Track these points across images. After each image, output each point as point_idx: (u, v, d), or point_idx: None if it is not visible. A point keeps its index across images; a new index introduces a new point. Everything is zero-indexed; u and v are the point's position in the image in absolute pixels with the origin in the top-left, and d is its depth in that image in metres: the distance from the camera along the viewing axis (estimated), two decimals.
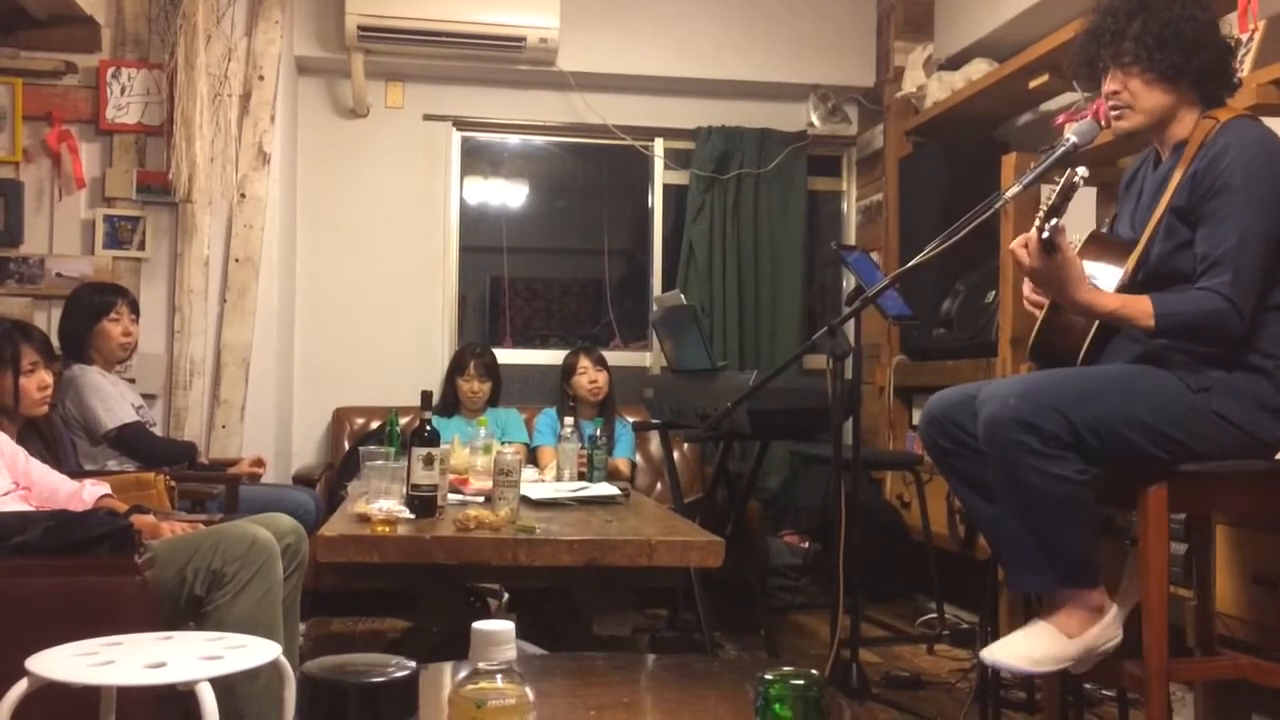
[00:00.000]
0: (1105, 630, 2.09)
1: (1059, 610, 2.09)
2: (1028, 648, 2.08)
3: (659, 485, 4.62)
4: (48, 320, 4.13)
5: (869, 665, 3.25)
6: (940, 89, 4.53)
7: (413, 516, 2.59)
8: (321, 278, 4.90)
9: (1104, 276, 2.17)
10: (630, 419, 4.46)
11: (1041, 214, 1.99)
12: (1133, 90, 2.17)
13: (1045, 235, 1.97)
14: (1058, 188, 1.97)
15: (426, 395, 2.81)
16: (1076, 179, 1.96)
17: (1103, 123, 2.31)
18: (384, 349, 4.89)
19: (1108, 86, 2.20)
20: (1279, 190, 2.06)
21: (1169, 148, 2.22)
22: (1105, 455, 2.04)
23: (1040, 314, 2.31)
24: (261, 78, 4.46)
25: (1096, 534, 2.12)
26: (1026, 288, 2.30)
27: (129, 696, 1.72)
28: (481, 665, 0.99)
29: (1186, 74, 2.14)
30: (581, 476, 3.45)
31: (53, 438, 3.08)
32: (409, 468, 2.64)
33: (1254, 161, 2.05)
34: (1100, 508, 2.18)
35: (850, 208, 5.41)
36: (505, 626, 1.00)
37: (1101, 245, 2.26)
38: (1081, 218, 3.53)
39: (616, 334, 5.35)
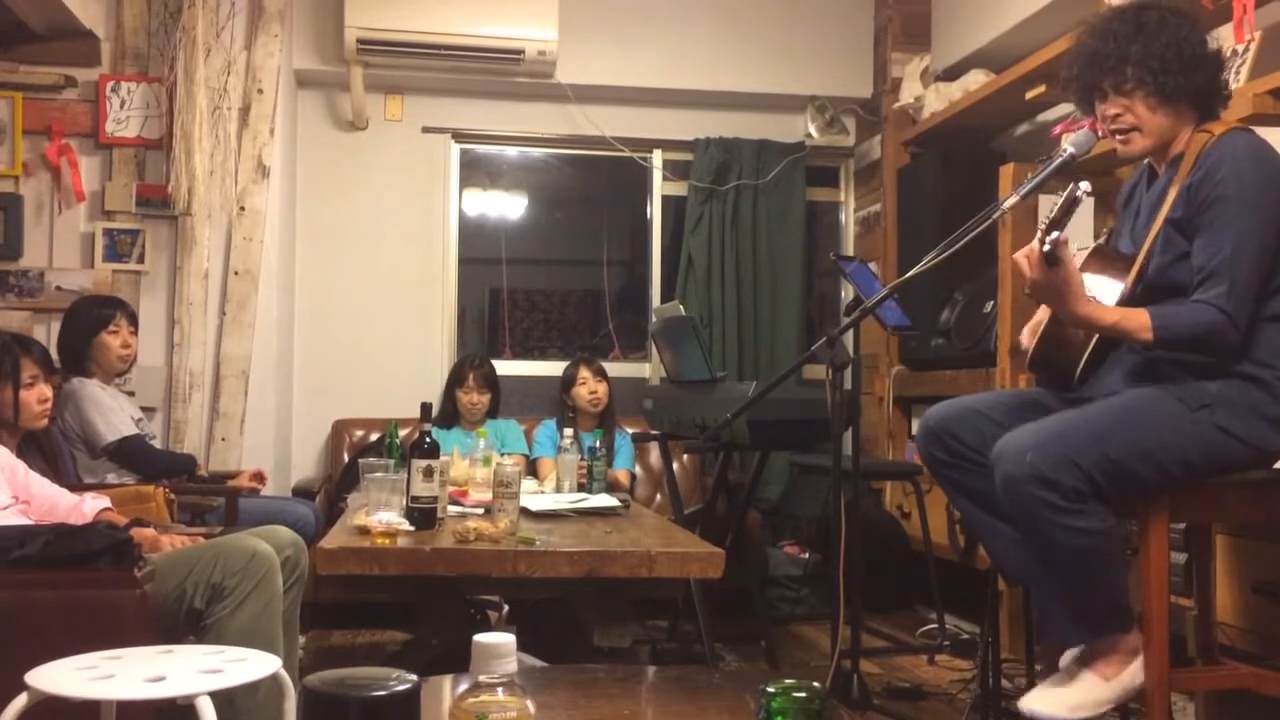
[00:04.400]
0: (1139, 671, 2.09)
1: (1097, 657, 2.10)
2: (1066, 696, 2.08)
3: (659, 496, 4.62)
4: (47, 333, 4.13)
5: (870, 676, 3.24)
6: (938, 100, 4.54)
7: (412, 528, 2.59)
8: (321, 290, 4.90)
9: (1106, 290, 2.18)
10: (630, 430, 4.46)
11: (1043, 226, 1.99)
12: (1138, 114, 2.17)
13: (1047, 248, 1.98)
14: (1060, 201, 1.97)
15: (426, 407, 2.81)
16: (1079, 193, 1.96)
17: (1100, 133, 2.32)
18: (383, 361, 4.89)
19: (1108, 110, 2.20)
20: (1273, 200, 2.07)
21: (1165, 162, 2.23)
22: (1121, 494, 2.05)
23: (1040, 326, 2.31)
24: (261, 91, 4.47)
25: (1128, 577, 2.12)
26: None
27: (129, 710, 1.72)
28: (482, 678, 0.99)
29: (1186, 93, 2.15)
30: (581, 488, 3.45)
31: (52, 451, 3.08)
32: (409, 479, 2.64)
33: (1248, 173, 2.05)
34: (1127, 547, 2.17)
35: (848, 218, 5.42)
36: (506, 639, 1.00)
37: (1103, 259, 2.27)
38: (1079, 227, 3.54)
39: (616, 345, 5.35)
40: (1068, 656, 2.18)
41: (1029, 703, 2.10)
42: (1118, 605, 2.09)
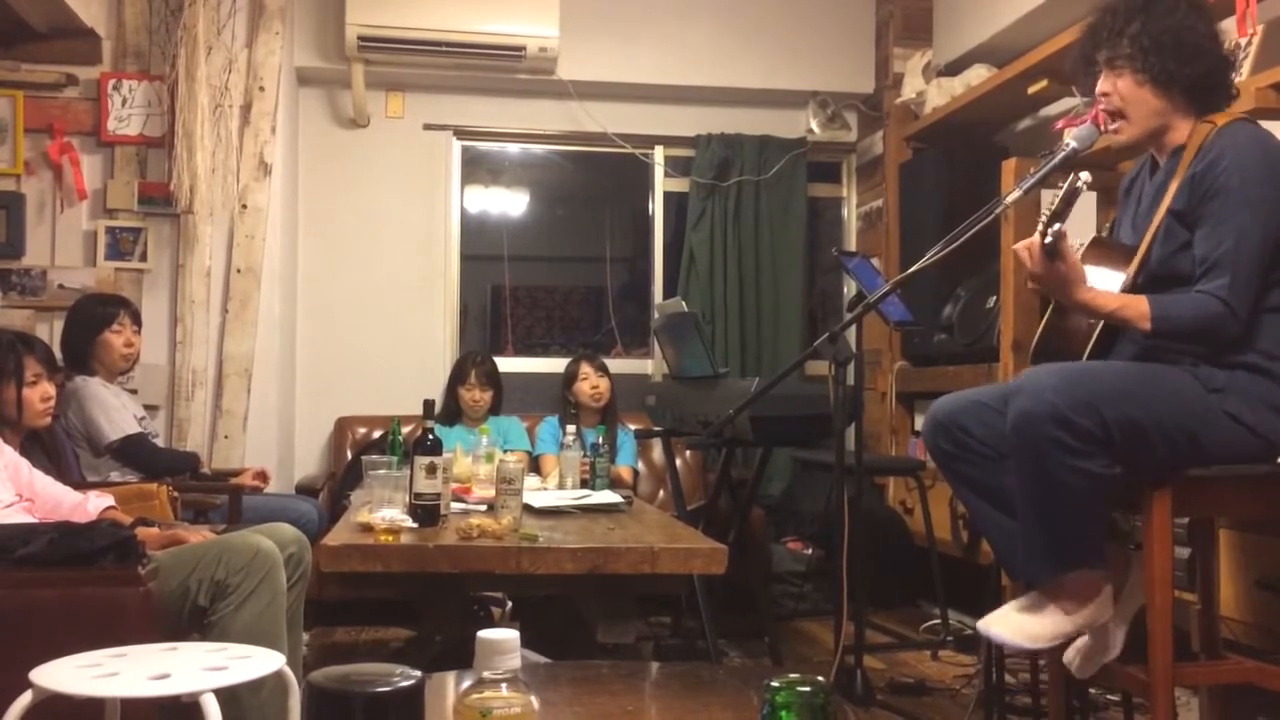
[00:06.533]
0: (1100, 609, 2.11)
1: (1063, 589, 2.10)
2: (1028, 625, 2.10)
3: (661, 493, 4.62)
4: (50, 332, 4.13)
5: (873, 671, 3.24)
6: (939, 95, 4.54)
7: (416, 525, 2.59)
8: (323, 287, 4.90)
9: (1106, 281, 2.18)
10: (632, 426, 4.46)
11: (1044, 219, 1.99)
12: (1122, 92, 2.17)
13: (1048, 241, 1.98)
14: (1060, 193, 1.98)
15: (429, 404, 2.81)
16: (1079, 184, 1.96)
17: (1102, 128, 2.31)
18: (386, 358, 4.89)
19: (1100, 87, 2.20)
20: (1276, 192, 2.06)
21: (1166, 153, 2.22)
22: (1128, 453, 2.04)
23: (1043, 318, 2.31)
24: (262, 89, 4.47)
25: (1108, 513, 2.13)
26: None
27: (133, 708, 1.72)
28: (486, 674, 0.99)
29: (1179, 81, 2.13)
30: (584, 484, 3.45)
31: (55, 449, 3.08)
32: (411, 477, 2.64)
33: (1251, 164, 2.05)
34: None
35: (851, 214, 5.42)
36: (509, 635, 1.00)
37: (1103, 250, 2.26)
38: (1081, 222, 3.53)
39: (618, 341, 5.36)
40: None
41: (989, 623, 2.13)
42: (1096, 541, 2.09)
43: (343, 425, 4.69)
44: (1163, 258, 2.14)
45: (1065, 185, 1.97)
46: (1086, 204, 3.72)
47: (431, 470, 2.62)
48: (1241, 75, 2.91)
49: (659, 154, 5.20)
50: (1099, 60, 2.20)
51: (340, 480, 4.40)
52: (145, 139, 4.43)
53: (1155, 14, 2.13)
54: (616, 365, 4.70)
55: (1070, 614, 2.09)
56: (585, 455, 3.52)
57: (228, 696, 1.66)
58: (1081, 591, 2.09)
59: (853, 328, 3.06)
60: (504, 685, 0.99)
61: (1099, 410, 1.99)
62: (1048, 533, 2.08)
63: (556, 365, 4.76)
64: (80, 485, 2.89)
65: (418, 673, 0.99)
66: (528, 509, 2.86)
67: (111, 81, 4.41)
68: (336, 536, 2.51)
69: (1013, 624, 2.11)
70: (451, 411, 4.41)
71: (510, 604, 3.71)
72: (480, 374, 4.40)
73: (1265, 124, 2.22)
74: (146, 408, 3.94)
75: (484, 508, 2.89)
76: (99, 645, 1.71)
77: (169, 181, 4.34)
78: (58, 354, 3.27)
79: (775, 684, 0.96)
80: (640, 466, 4.55)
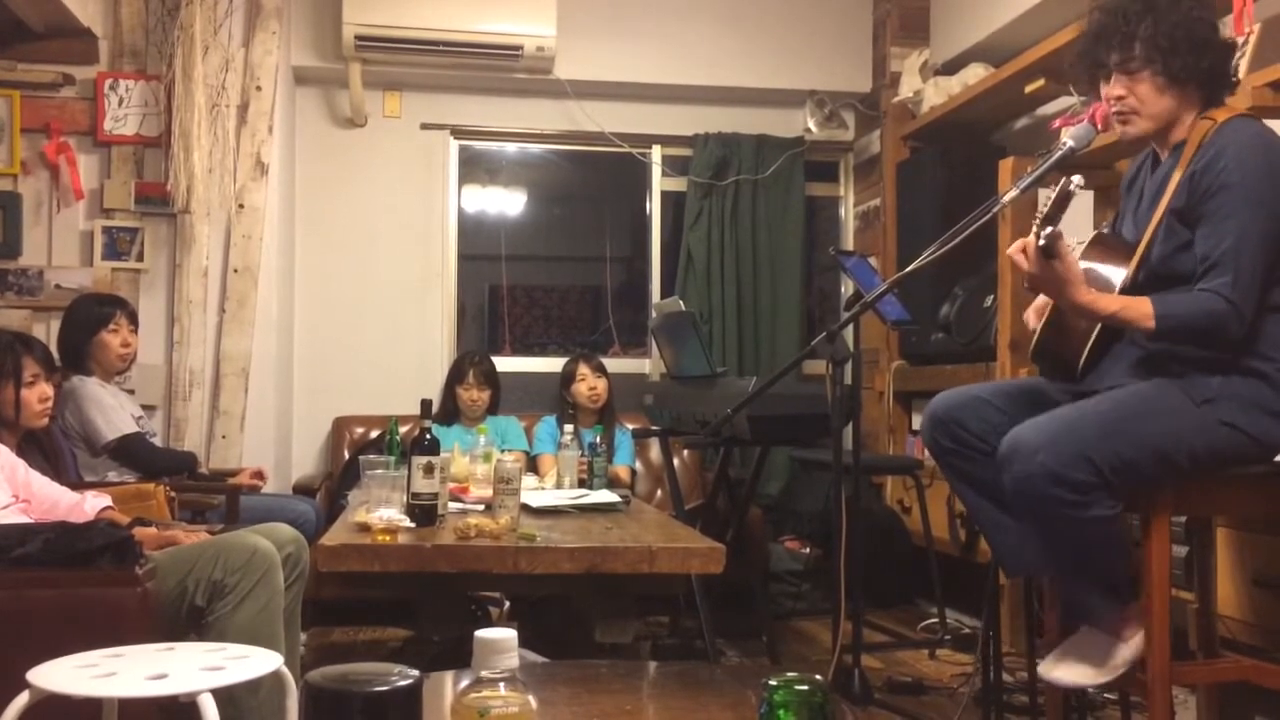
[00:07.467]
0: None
1: (1123, 621, 2.14)
2: (1087, 661, 2.13)
3: (659, 492, 4.62)
4: (47, 332, 4.12)
5: (871, 671, 3.24)
6: (937, 94, 4.54)
7: (413, 525, 2.59)
8: (320, 287, 4.90)
9: (1108, 277, 2.17)
10: (630, 426, 4.46)
11: (1037, 221, 1.99)
12: (1140, 95, 2.15)
13: (1042, 243, 1.98)
14: (1053, 196, 1.97)
15: (426, 404, 2.81)
16: (1072, 187, 1.95)
17: (1099, 126, 2.32)
18: (383, 358, 4.89)
19: (1112, 91, 2.18)
20: (1277, 189, 2.05)
21: (1168, 149, 2.21)
22: (1127, 487, 2.06)
23: (1042, 318, 2.31)
24: (259, 88, 4.47)
25: (1131, 548, 2.15)
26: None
27: (130, 708, 1.72)
28: (484, 674, 0.99)
29: (1196, 76, 2.13)
30: (582, 484, 3.45)
31: (53, 449, 3.08)
32: (409, 476, 2.64)
33: (1252, 161, 2.04)
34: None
35: (848, 213, 5.42)
36: (507, 634, 1.00)
37: (1105, 246, 2.26)
38: (1080, 222, 3.54)
39: (615, 341, 5.35)
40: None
41: (1050, 670, 2.15)
42: (1126, 576, 2.13)
43: (340, 425, 4.68)
44: (1163, 256, 2.13)
45: (1057, 188, 1.97)
46: (1083, 204, 3.73)
47: (429, 470, 2.62)
48: (1239, 73, 2.91)
49: (656, 153, 5.20)
50: (1108, 63, 2.18)
51: (338, 480, 4.39)
52: (142, 139, 4.42)
53: (1161, 11, 2.11)
54: (614, 365, 4.70)
55: (1130, 640, 2.13)
56: (583, 455, 3.52)
57: (225, 697, 1.66)
58: (1132, 620, 2.14)
59: (850, 327, 3.05)
60: (502, 685, 0.99)
61: (1089, 458, 2.00)
62: (1094, 578, 2.12)
63: (554, 365, 4.76)
64: (77, 485, 2.89)
65: (416, 672, 0.99)
66: (525, 509, 2.86)
67: (108, 81, 4.41)
68: (334, 536, 2.51)
69: (1077, 669, 2.14)
70: (449, 411, 4.42)
71: (508, 603, 3.71)
72: (478, 373, 4.40)
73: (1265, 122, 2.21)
74: (144, 408, 3.93)
75: (482, 507, 2.88)
76: (96, 645, 1.71)
77: (166, 181, 4.33)
78: (54, 354, 3.26)
79: (773, 683, 0.96)
80: (638, 466, 4.55)
